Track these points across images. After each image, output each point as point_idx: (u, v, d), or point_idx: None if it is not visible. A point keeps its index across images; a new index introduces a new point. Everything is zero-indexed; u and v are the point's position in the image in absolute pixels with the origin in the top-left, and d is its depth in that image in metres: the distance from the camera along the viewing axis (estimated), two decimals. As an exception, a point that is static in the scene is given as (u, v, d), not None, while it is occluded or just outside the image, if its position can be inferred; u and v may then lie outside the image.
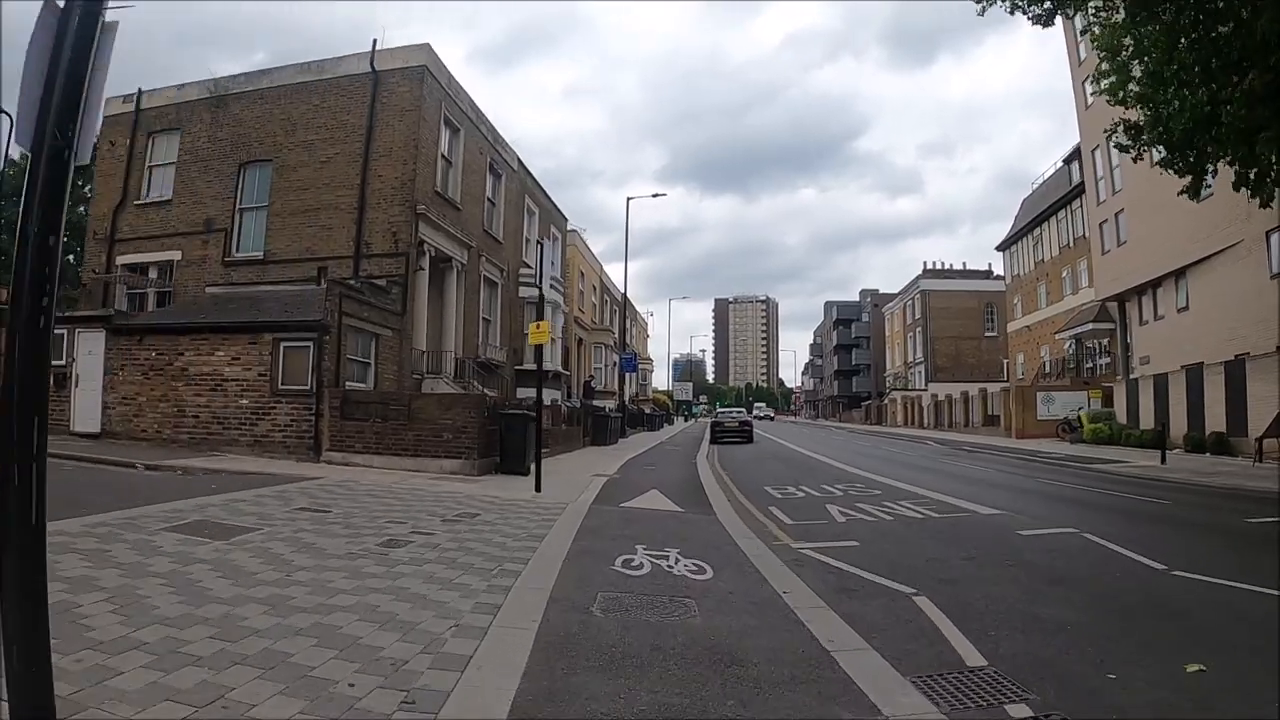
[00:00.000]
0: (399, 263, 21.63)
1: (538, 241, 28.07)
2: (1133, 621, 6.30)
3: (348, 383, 18.55)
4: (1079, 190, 44.54)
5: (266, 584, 6.43)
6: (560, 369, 33.89)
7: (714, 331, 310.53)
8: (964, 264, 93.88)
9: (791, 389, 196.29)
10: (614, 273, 55.61)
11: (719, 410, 44.93)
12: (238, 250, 23.95)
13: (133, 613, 5.46)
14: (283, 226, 23.27)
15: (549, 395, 30.27)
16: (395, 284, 21.24)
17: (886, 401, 79.65)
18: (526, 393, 29.61)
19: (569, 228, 40.93)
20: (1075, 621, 6.21)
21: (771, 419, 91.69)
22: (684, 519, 11.71)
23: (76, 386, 19.61)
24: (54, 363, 19.78)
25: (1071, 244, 47.34)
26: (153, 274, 25.15)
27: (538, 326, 13.84)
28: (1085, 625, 6.13)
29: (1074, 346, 47.17)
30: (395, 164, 22.20)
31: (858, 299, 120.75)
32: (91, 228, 26.78)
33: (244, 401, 18.15)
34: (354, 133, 22.74)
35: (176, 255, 24.64)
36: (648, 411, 55.55)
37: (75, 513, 8.95)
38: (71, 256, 32.92)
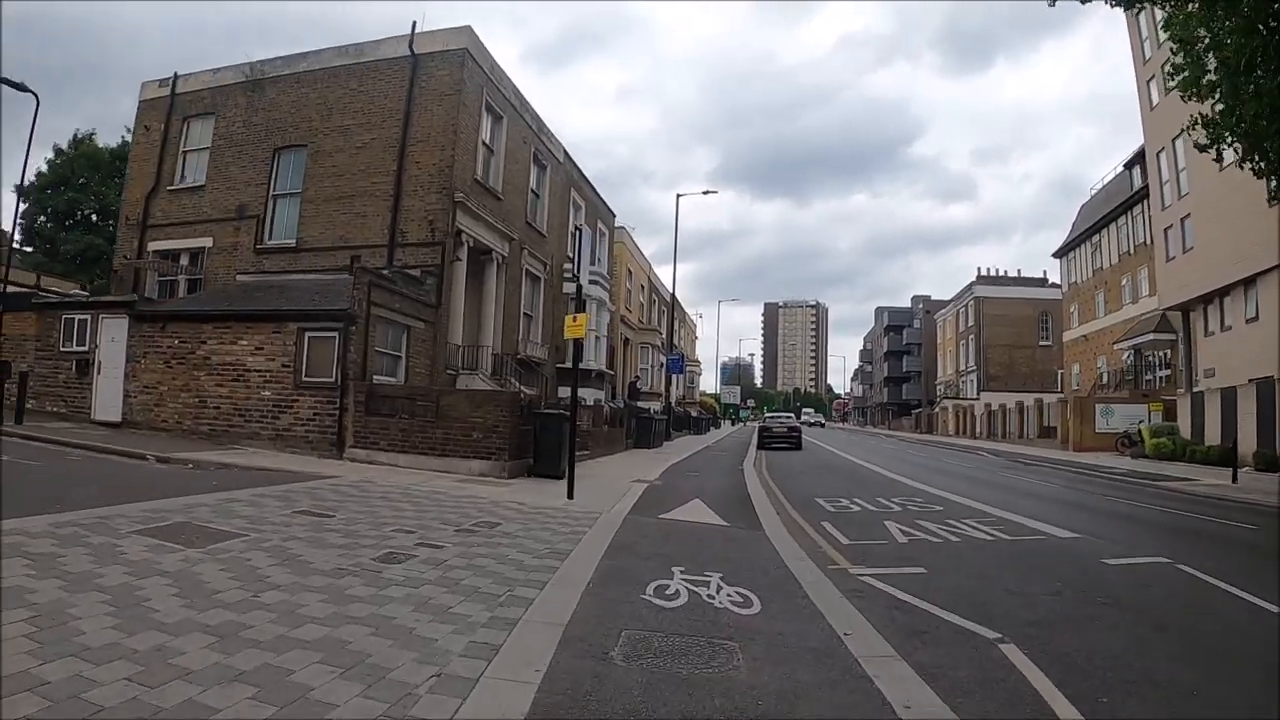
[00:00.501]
0: (435, 252, 20.62)
1: (576, 228, 26.99)
2: (1269, 683, 5.12)
3: (375, 376, 17.58)
4: (1141, 195, 42.90)
5: (225, 606, 5.36)
6: (604, 368, 32.73)
7: (763, 335, 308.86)
8: (1019, 271, 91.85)
9: (838, 395, 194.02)
10: (663, 275, 54.49)
11: (767, 415, 43.36)
12: (270, 238, 23.14)
13: (49, 639, 4.45)
14: (316, 214, 22.40)
15: (592, 395, 29.23)
16: (430, 274, 20.25)
17: (937, 410, 77.53)
18: (568, 392, 28.69)
19: (616, 224, 39.80)
20: (1198, 685, 5.06)
21: (822, 426, 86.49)
22: (729, 535, 10.49)
23: (99, 374, 18.89)
24: (78, 348, 19.25)
25: (1132, 251, 45.54)
26: (184, 261, 24.46)
27: (574, 320, 12.72)
28: (1211, 689, 5.00)
29: (1133, 357, 45.17)
30: (433, 150, 21.21)
31: (909, 305, 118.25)
32: (124, 213, 26.19)
33: (266, 393, 17.27)
34: (391, 117, 21.80)
35: (208, 242, 23.94)
36: (694, 415, 54.42)
37: (50, 509, 8.13)
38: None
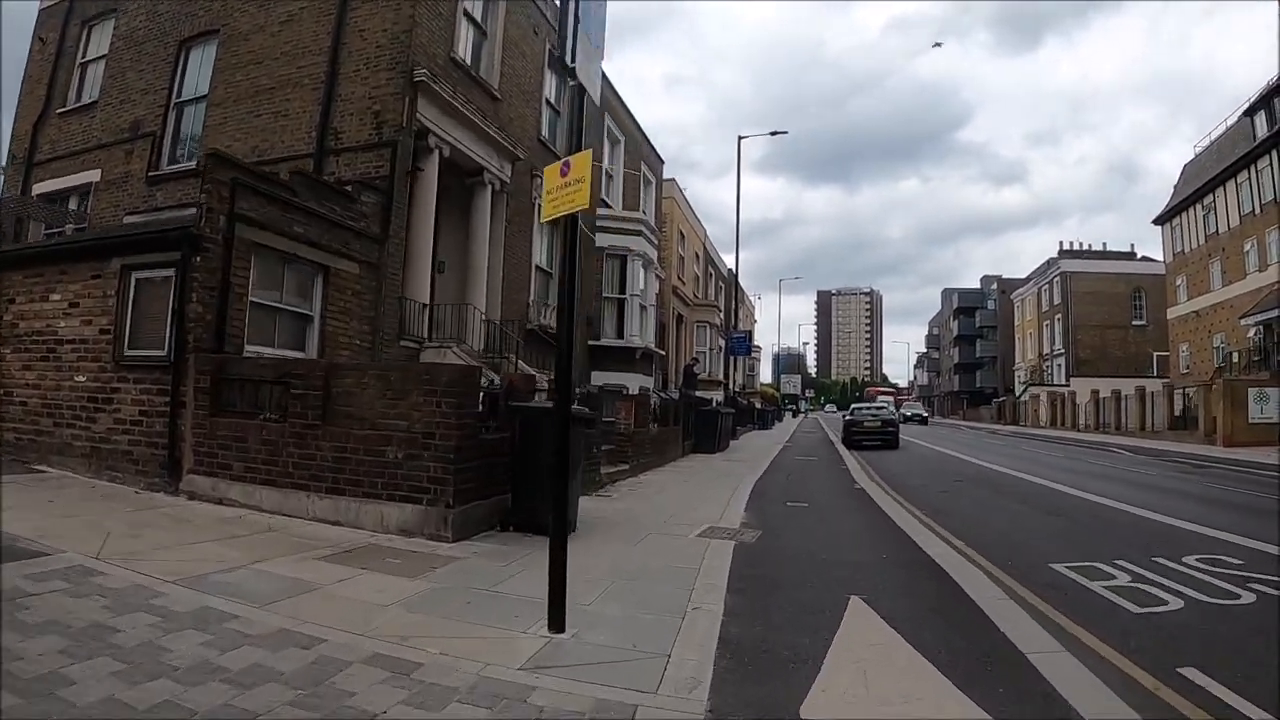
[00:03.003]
0: (381, 158, 13.36)
1: None
2: None
3: (253, 348, 10.33)
4: (1271, 144, 37.19)
5: None
6: (653, 347, 25.17)
7: (816, 324, 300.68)
8: (1104, 245, 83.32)
9: (895, 384, 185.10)
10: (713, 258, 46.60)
11: (855, 407, 35.33)
12: (167, 162, 16.16)
13: None
14: (224, 120, 15.28)
15: (637, 382, 21.87)
16: (372, 190, 12.93)
17: (1024, 398, 68.99)
18: (610, 378, 21.35)
19: (665, 176, 32.19)
20: None
21: (924, 421, 68.63)
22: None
23: None
24: None
25: (1258, 210, 39.19)
26: (73, 204, 17.70)
27: (563, 170, 5.16)
28: None
29: (1261, 334, 38.28)
30: (384, 9, 13.95)
31: (979, 286, 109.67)
32: (12, 149, 19.48)
33: (80, 378, 10.12)
34: (326, -30, 14.59)
35: (95, 176, 17.14)
36: (759, 406, 46.84)
37: None
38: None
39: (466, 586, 6.05)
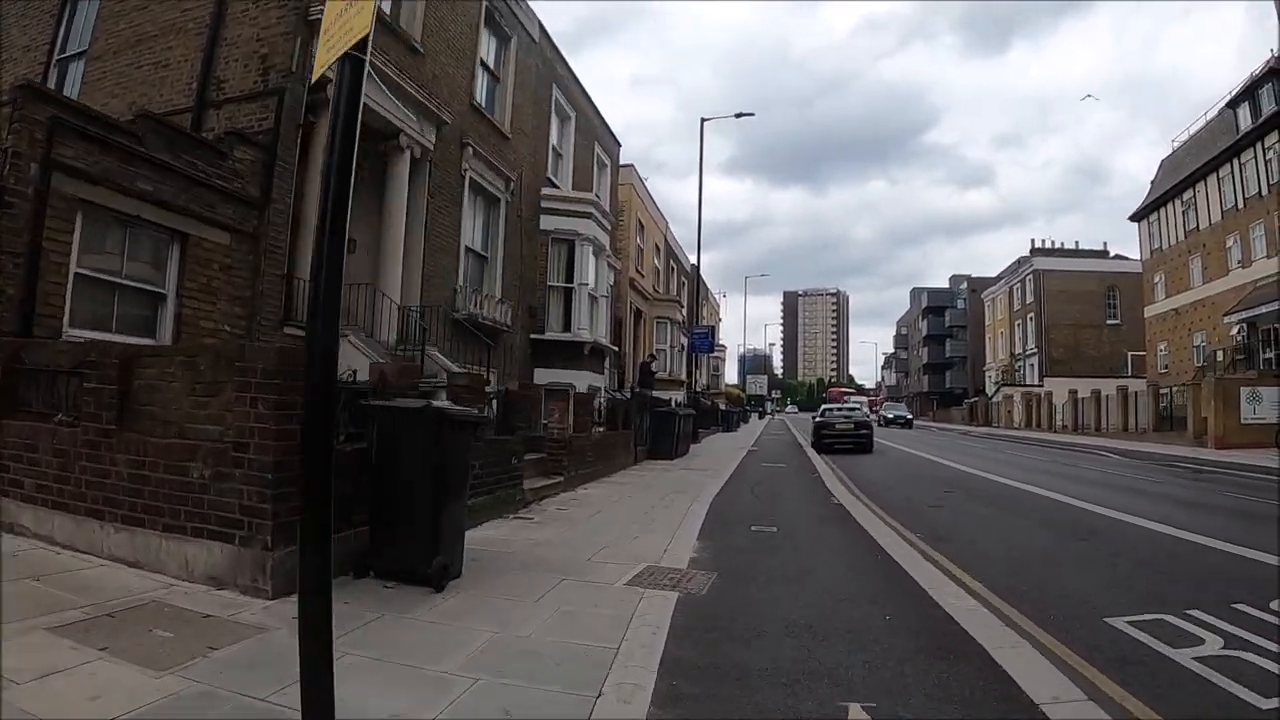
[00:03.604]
0: (266, 109, 11.09)
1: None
2: None
3: (76, 330, 8.06)
4: (1256, 136, 35.85)
5: None
6: (606, 343, 22.89)
7: (783, 324, 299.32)
8: (1076, 243, 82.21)
9: (861, 385, 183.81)
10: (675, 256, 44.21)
11: (826, 408, 32.84)
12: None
13: None
14: (103, 75, 12.98)
15: (586, 380, 19.71)
16: (248, 143, 10.64)
17: (998, 399, 67.33)
18: (555, 376, 19.19)
19: (624, 163, 29.93)
20: None
21: (909, 424, 59.89)
22: None
23: None
24: None
25: (1242, 205, 37.80)
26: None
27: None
28: None
29: (1245, 331, 36.86)
30: (276, -62, 11.68)
31: (948, 285, 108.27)
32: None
33: None
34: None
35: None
36: (723, 407, 44.69)
37: None
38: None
39: (238, 691, 3.82)
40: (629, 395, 20.94)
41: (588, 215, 20.65)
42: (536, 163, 20.31)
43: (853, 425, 27.55)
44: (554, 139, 21.91)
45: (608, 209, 24.03)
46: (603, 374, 22.08)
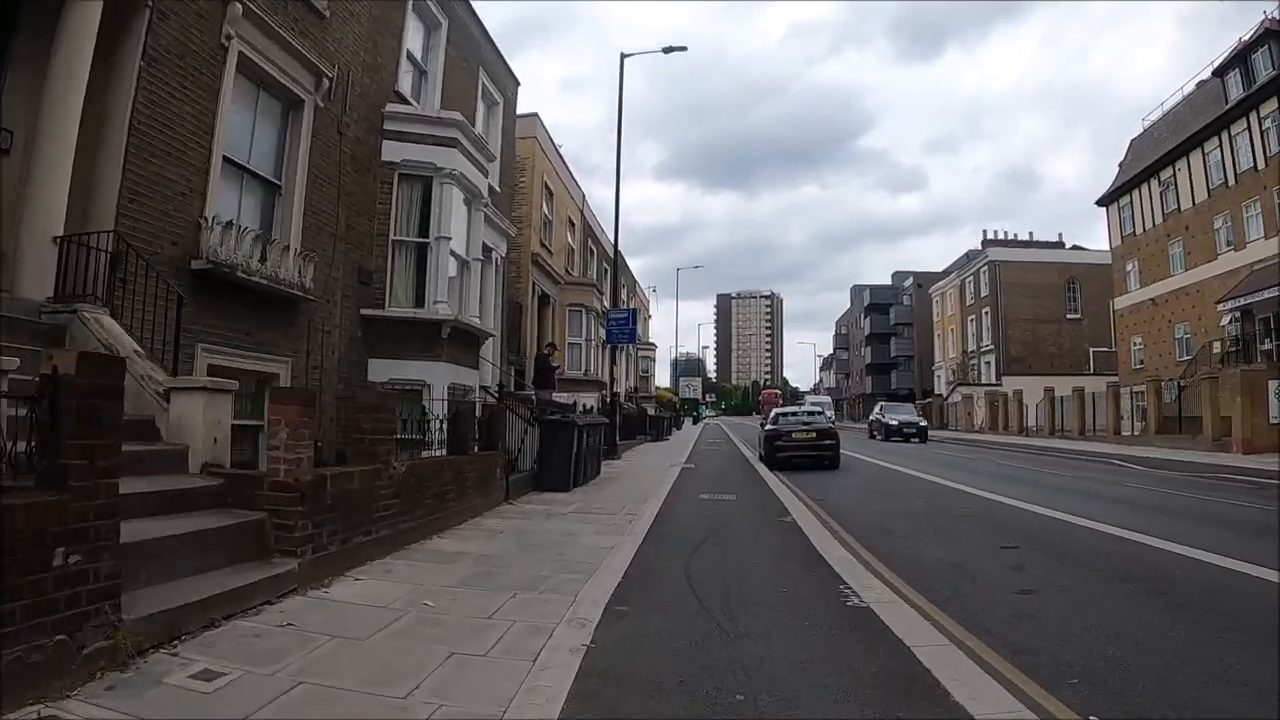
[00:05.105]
0: None
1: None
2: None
3: None
4: (1250, 105, 32.82)
5: None
6: (478, 325, 16.10)
7: (716, 328, 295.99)
8: (1030, 234, 78.10)
9: (795, 388, 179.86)
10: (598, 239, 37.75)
11: (779, 413, 25.18)
12: None
13: None
14: None
15: (449, 377, 13.64)
16: None
17: (955, 400, 62.33)
18: (402, 370, 13.11)
19: (520, 111, 23.54)
20: None
21: (924, 437, 39.62)
22: None
23: None
24: None
25: (1233, 182, 34.61)
26: None
27: None
28: None
29: (1239, 320, 33.66)
30: None
31: (890, 282, 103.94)
32: None
33: None
34: None
35: None
36: (652, 413, 39.03)
37: None
38: None
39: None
40: (499, 396, 14.65)
41: (452, 143, 14.37)
42: (378, 67, 13.97)
43: (814, 435, 21.36)
44: (411, 43, 15.62)
45: (494, 152, 17.84)
46: (475, 368, 15.70)
